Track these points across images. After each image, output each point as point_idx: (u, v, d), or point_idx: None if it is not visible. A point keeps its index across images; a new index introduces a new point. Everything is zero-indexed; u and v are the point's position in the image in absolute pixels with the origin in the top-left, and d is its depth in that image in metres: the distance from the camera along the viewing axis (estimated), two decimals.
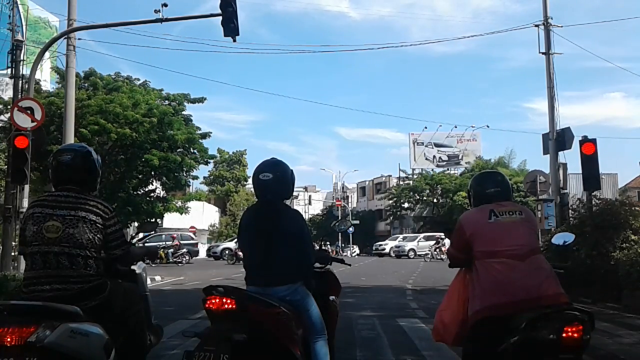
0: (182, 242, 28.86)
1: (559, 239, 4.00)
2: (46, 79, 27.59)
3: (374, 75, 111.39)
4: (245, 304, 2.91)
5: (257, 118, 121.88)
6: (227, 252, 30.72)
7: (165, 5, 11.35)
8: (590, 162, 12.05)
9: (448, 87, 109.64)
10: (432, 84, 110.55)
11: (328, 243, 34.98)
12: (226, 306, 2.86)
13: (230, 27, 11.02)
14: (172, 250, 26.58)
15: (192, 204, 30.73)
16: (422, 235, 39.63)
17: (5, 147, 15.66)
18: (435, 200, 49.17)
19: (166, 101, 24.29)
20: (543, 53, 15.46)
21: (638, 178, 43.32)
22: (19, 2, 18.87)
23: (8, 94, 20.01)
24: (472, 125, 55.19)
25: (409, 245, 37.55)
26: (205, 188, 59.28)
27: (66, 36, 12.68)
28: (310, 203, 67.56)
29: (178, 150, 23.54)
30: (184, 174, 24.81)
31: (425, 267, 24.36)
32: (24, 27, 19.85)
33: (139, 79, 25.39)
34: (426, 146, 56.18)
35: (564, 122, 35.76)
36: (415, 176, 53.54)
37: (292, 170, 3.38)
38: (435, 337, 3.42)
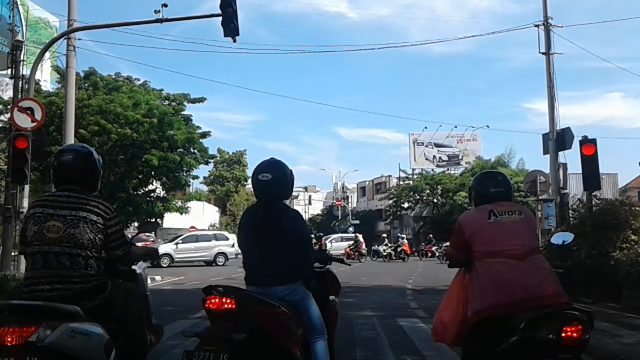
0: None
1: (558, 238, 3.99)
2: (46, 79, 27.62)
3: (373, 75, 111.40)
4: (245, 303, 2.91)
5: (256, 118, 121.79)
6: None
7: (165, 5, 11.34)
8: (590, 162, 12.03)
9: (448, 87, 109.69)
10: (432, 84, 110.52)
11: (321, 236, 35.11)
12: (226, 306, 2.86)
13: (230, 27, 11.02)
14: None
15: (192, 204, 30.70)
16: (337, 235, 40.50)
17: (5, 147, 15.66)
18: (435, 200, 49.08)
19: (166, 101, 24.33)
20: (543, 53, 15.46)
21: (638, 178, 43.29)
22: (19, 3, 18.88)
23: (8, 94, 20.02)
24: (472, 125, 55.11)
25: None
26: (205, 188, 59.34)
27: (66, 36, 12.69)
28: (310, 203, 67.52)
29: (178, 150, 23.55)
30: (184, 174, 24.83)
31: (425, 267, 24.35)
32: (24, 27, 19.91)
33: (139, 79, 25.50)
34: (426, 146, 56.08)
35: (564, 122, 35.74)
36: (415, 176, 53.43)
37: (291, 170, 3.38)
38: (435, 338, 3.42)
